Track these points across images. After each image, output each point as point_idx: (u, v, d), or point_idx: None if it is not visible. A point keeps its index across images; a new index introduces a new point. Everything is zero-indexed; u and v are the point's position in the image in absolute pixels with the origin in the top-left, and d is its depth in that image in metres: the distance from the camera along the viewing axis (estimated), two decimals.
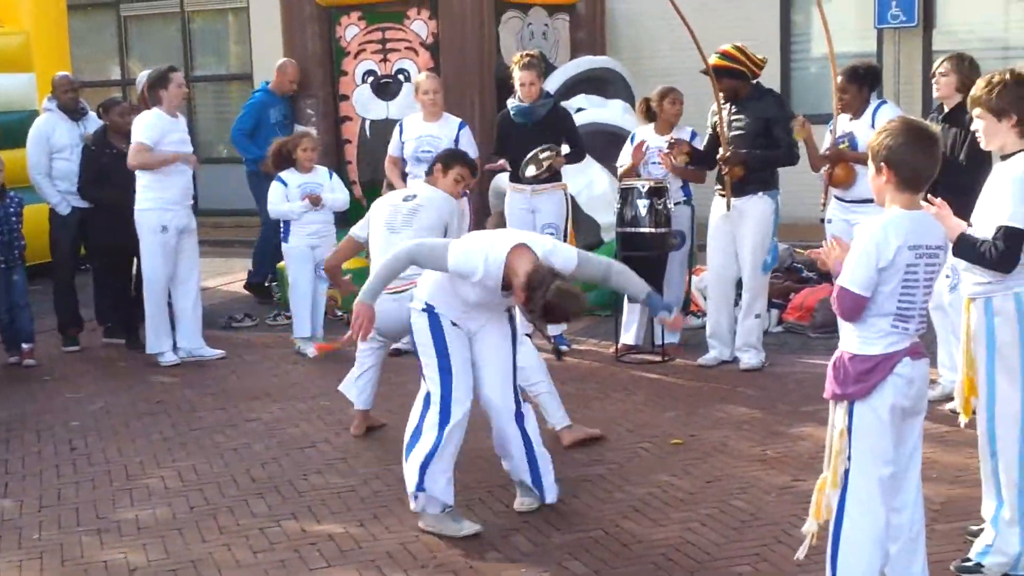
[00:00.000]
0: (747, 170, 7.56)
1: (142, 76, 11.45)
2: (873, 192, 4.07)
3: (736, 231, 7.73)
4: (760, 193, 7.66)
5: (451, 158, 6.82)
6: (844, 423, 3.97)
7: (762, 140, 7.60)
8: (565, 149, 8.34)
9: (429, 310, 5.19)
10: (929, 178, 3.96)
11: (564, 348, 8.34)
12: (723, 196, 7.71)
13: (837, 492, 4.01)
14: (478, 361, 5.27)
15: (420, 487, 5.10)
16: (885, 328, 3.92)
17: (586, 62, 11.44)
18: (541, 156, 8.15)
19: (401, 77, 10.90)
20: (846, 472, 3.98)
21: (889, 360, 3.92)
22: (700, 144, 8.19)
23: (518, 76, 8.29)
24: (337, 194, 8.85)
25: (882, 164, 3.93)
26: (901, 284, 3.87)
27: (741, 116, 7.68)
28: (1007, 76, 4.35)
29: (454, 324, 5.19)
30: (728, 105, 7.72)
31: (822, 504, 4.07)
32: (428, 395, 5.18)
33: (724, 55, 7.67)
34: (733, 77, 7.65)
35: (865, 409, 3.94)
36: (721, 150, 7.60)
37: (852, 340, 3.98)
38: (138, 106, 9.76)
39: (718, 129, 7.70)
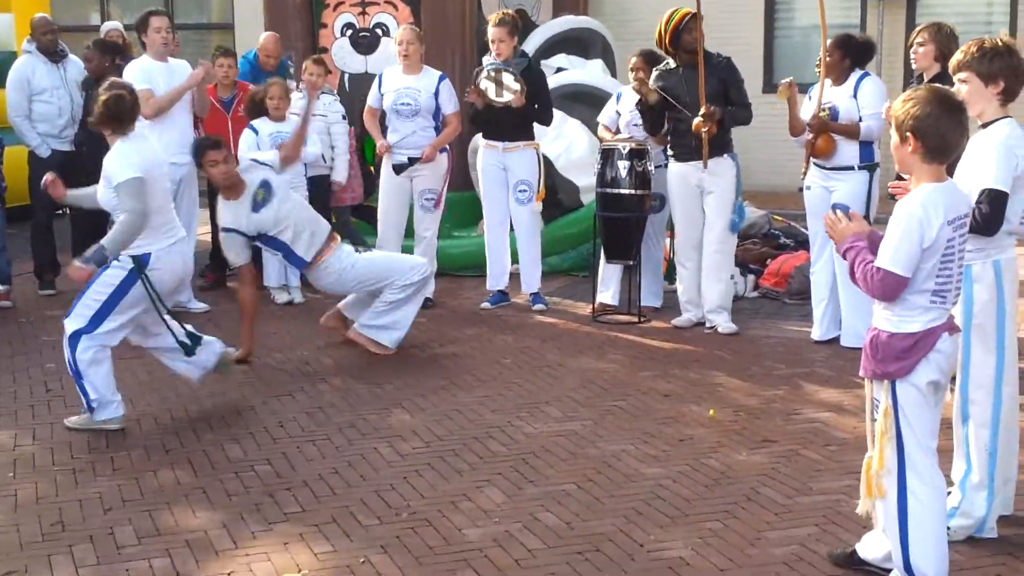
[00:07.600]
0: (719, 128, 7.57)
1: (106, 26, 11.31)
2: (896, 161, 3.97)
3: (704, 194, 7.76)
4: (724, 155, 7.70)
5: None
6: (888, 402, 3.93)
7: (720, 102, 7.61)
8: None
9: None
10: (956, 147, 3.91)
11: (542, 307, 8.40)
12: (683, 161, 7.72)
13: (892, 472, 3.94)
14: None
15: None
16: (924, 304, 3.86)
17: (568, 22, 11.40)
18: (505, 81, 8.18)
19: (379, 31, 10.83)
20: (899, 451, 3.92)
21: (929, 337, 3.86)
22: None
23: (490, 33, 8.31)
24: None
25: (908, 134, 3.84)
26: (940, 260, 3.83)
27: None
28: (999, 44, 4.37)
29: None
30: (681, 69, 7.72)
31: (872, 483, 4.00)
32: None
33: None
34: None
35: (907, 386, 3.89)
36: (703, 108, 7.52)
37: (889, 318, 3.91)
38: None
39: (698, 88, 7.59)
